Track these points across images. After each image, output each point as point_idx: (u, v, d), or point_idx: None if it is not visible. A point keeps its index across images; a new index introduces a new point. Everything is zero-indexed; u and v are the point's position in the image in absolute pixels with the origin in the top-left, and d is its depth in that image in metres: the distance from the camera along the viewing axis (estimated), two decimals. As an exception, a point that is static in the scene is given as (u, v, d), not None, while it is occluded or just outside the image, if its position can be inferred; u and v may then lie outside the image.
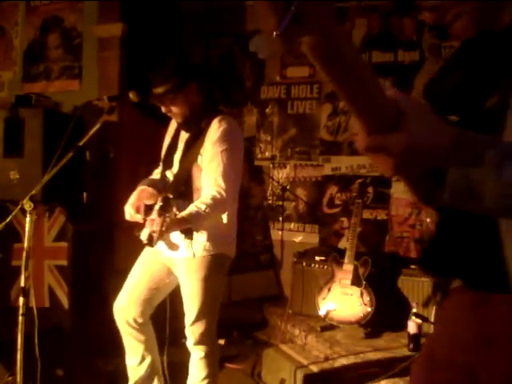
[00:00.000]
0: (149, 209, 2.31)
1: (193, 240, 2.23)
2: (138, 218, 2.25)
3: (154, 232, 2.03)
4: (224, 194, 2.19)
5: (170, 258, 2.38)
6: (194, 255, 2.28)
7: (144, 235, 2.23)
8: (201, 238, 2.28)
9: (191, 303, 2.32)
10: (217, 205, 2.18)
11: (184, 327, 2.37)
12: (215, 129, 2.27)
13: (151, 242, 2.14)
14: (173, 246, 2.28)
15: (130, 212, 2.26)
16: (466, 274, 1.02)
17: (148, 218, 2.15)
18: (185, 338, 2.40)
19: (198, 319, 2.32)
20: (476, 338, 1.00)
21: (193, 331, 2.34)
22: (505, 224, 0.93)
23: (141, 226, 2.31)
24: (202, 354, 2.35)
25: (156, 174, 2.57)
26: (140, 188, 2.35)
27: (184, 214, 2.13)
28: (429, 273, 1.09)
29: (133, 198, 2.30)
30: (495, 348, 0.97)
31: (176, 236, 2.25)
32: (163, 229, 2.01)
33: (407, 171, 0.83)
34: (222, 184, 2.20)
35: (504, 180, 0.79)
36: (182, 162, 2.37)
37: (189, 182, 2.31)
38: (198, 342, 2.35)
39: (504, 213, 0.87)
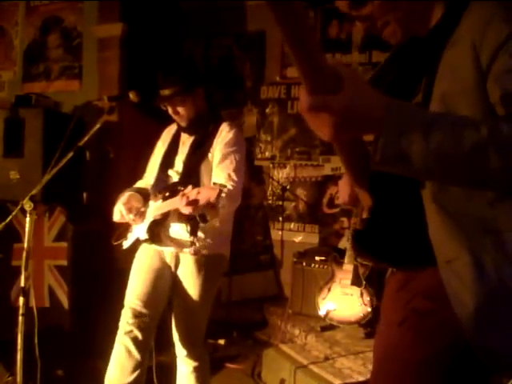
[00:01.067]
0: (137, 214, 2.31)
1: (196, 237, 2.23)
2: (130, 217, 2.26)
3: (189, 203, 1.90)
4: (238, 187, 2.23)
5: (171, 252, 2.36)
6: (197, 252, 2.26)
7: (141, 232, 2.24)
8: (203, 235, 2.27)
9: (185, 302, 2.29)
10: (232, 197, 2.18)
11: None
12: (227, 131, 2.33)
13: (152, 237, 2.16)
14: (175, 242, 2.28)
15: (121, 211, 2.25)
16: (395, 257, 1.10)
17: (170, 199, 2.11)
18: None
19: (190, 321, 2.30)
20: (398, 318, 1.10)
21: (184, 341, 2.30)
22: (428, 207, 1.03)
23: (122, 233, 2.33)
24: (191, 368, 2.31)
25: (140, 184, 2.54)
26: (128, 193, 2.35)
27: None
28: (362, 258, 1.16)
29: (124, 199, 2.30)
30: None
31: (178, 232, 2.25)
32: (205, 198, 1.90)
33: (344, 133, 0.89)
34: (236, 179, 2.22)
35: (430, 145, 0.86)
36: (187, 161, 2.37)
37: (197, 177, 2.32)
38: (188, 355, 2.31)
39: (430, 175, 0.95)
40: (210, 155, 2.31)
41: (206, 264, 2.28)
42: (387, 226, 1.09)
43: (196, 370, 2.33)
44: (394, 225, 1.08)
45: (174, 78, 2.29)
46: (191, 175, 2.31)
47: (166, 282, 2.36)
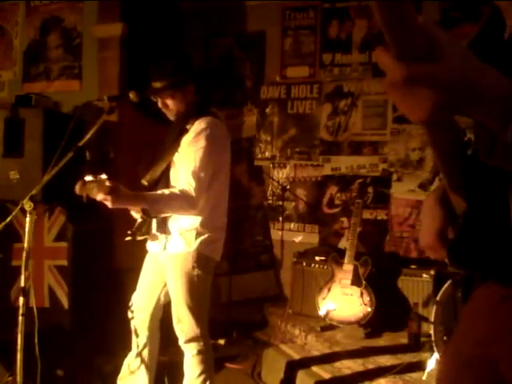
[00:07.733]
0: None
1: (164, 233, 2.30)
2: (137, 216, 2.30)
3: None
4: (193, 192, 2.20)
5: (158, 253, 2.39)
6: (179, 251, 2.30)
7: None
8: (186, 235, 2.30)
9: (176, 299, 2.32)
10: (183, 198, 2.18)
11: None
12: (193, 130, 2.29)
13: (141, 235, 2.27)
14: (154, 238, 2.35)
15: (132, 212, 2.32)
16: (493, 268, 0.98)
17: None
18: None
19: (183, 315, 2.31)
20: (502, 331, 0.99)
21: (181, 329, 2.33)
22: None
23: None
24: (194, 352, 2.34)
25: None
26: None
27: (145, 193, 2.19)
28: (455, 266, 1.02)
29: None
30: None
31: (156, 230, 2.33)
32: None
33: (447, 113, 0.73)
34: (193, 182, 2.21)
35: None
36: (162, 157, 2.40)
37: (167, 177, 2.34)
38: (188, 340, 2.34)
39: None
40: (176, 155, 2.32)
41: (188, 260, 2.30)
42: (483, 235, 0.95)
43: (196, 354, 2.34)
44: (491, 235, 0.94)
45: (165, 71, 2.29)
46: (159, 171, 2.34)
47: (158, 281, 2.44)
